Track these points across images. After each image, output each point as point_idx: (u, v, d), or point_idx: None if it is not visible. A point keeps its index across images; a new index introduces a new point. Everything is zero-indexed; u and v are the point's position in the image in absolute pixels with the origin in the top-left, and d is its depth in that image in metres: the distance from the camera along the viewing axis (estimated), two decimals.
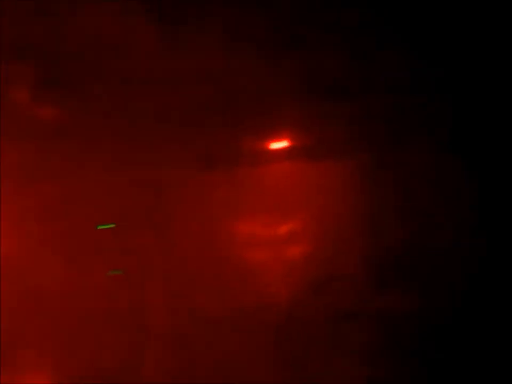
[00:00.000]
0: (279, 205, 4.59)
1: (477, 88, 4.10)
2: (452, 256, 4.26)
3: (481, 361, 4.06)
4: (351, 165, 4.53)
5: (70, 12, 3.73)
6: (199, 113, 4.43)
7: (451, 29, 4.01)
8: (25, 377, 4.16)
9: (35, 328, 4.21)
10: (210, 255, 4.55)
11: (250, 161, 4.60)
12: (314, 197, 4.56)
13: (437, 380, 4.13)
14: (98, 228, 4.51)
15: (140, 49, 3.96)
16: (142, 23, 3.78)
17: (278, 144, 4.61)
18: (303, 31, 4.31)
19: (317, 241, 4.55)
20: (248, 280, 4.55)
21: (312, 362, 4.37)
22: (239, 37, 4.26)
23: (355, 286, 4.42)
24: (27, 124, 4.20)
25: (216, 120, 4.45)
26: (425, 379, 4.16)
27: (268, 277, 4.57)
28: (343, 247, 4.49)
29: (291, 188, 4.58)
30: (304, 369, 4.35)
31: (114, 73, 4.08)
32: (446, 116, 4.23)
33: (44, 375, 4.24)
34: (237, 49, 4.26)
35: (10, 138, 4.06)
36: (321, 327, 4.37)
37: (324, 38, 4.28)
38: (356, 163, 4.52)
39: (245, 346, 4.39)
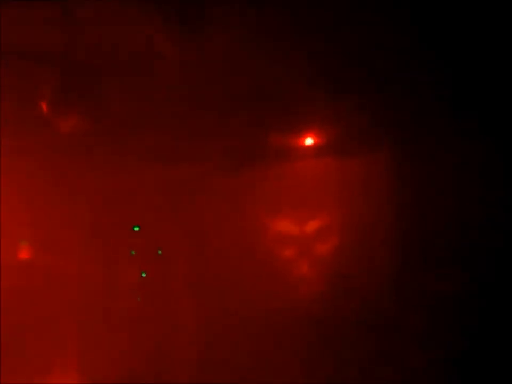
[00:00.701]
0: (307, 202, 4.57)
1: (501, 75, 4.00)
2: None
3: None
4: (378, 160, 4.48)
5: (89, 20, 3.74)
6: (226, 111, 4.41)
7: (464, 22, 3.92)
8: (48, 377, 4.21)
9: (60, 329, 4.26)
10: (239, 253, 4.56)
11: (277, 158, 4.59)
12: (342, 193, 4.52)
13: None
14: (129, 228, 4.56)
15: (159, 54, 3.97)
16: (160, 29, 3.77)
17: (305, 141, 4.58)
18: (329, 26, 4.24)
19: (346, 237, 4.51)
20: (277, 278, 4.55)
21: (343, 362, 4.35)
22: (264, 34, 4.22)
23: (384, 283, 4.37)
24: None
25: (243, 118, 4.43)
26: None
27: (298, 275, 4.56)
28: (372, 242, 4.44)
29: (319, 184, 4.55)
30: (333, 370, 4.33)
31: (135, 79, 4.09)
32: (472, 104, 4.14)
33: (68, 376, 4.30)
34: (262, 46, 4.22)
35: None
36: (351, 325, 4.33)
37: (347, 30, 4.21)
38: (383, 157, 4.46)
39: (274, 346, 4.39)
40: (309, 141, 4.58)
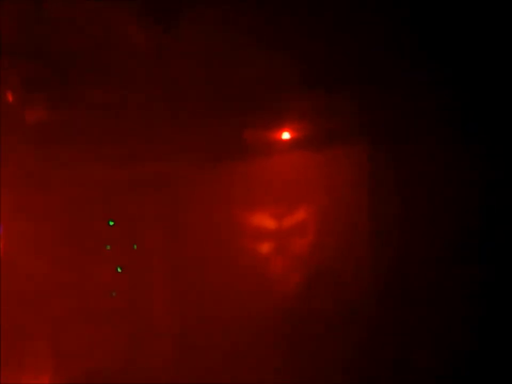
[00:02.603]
0: (284, 197, 4.55)
1: (490, 78, 3.98)
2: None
3: None
4: (357, 155, 4.45)
5: (62, 14, 3.65)
6: (202, 106, 4.35)
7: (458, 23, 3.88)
8: (27, 376, 4.17)
9: (33, 324, 4.21)
10: (215, 248, 4.54)
11: (254, 153, 4.55)
12: (319, 188, 4.50)
13: None
14: (105, 224, 4.51)
15: (134, 49, 3.89)
16: (134, 23, 3.69)
17: (282, 136, 4.55)
18: (310, 23, 4.19)
19: (324, 232, 4.50)
20: (254, 272, 4.53)
21: (323, 356, 4.35)
22: (243, 30, 4.15)
23: (362, 279, 4.37)
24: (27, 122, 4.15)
25: (219, 113, 4.38)
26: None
27: (275, 269, 4.55)
28: (350, 237, 4.44)
29: (296, 179, 4.52)
30: (313, 364, 4.34)
31: (114, 73, 4.02)
32: (453, 106, 4.12)
33: (45, 374, 4.27)
34: (239, 42, 4.16)
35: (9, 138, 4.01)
36: (329, 319, 4.34)
37: (330, 28, 4.15)
38: (361, 153, 4.44)
39: (250, 340, 4.39)
40: (286, 136, 4.54)
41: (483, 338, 3.95)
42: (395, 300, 4.26)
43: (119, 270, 4.50)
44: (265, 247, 4.56)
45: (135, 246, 4.53)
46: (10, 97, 3.92)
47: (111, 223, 4.51)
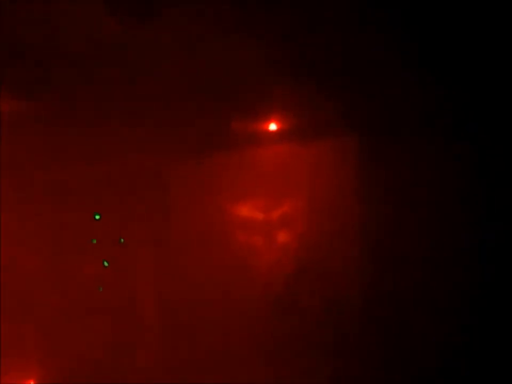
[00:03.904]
0: (272, 189, 4.50)
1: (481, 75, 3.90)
2: None
3: None
4: (345, 147, 4.39)
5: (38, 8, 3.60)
6: (187, 99, 4.30)
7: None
8: (14, 370, 4.16)
9: (18, 320, 4.19)
10: (202, 241, 4.50)
11: (241, 145, 4.51)
12: (307, 179, 4.45)
13: None
14: (89, 217, 4.49)
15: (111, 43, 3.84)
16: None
17: (269, 127, 4.48)
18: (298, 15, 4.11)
19: (312, 224, 4.45)
20: (241, 265, 4.49)
21: (310, 348, 4.30)
22: (229, 21, 4.08)
23: (349, 270, 4.31)
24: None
25: (205, 105, 4.32)
26: None
27: (262, 261, 4.51)
28: (338, 229, 4.37)
29: (284, 171, 4.47)
30: (300, 356, 4.29)
31: (97, 66, 3.98)
32: (445, 100, 4.04)
33: (32, 368, 4.27)
34: (224, 32, 4.09)
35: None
36: (313, 312, 4.29)
37: (314, 22, 4.07)
38: (351, 145, 4.38)
39: (237, 332, 4.35)
40: (273, 128, 4.48)
41: (474, 338, 3.90)
42: (382, 296, 4.21)
43: (105, 264, 4.47)
44: (252, 239, 4.52)
45: (122, 240, 4.49)
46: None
47: (97, 217, 4.48)
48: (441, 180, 4.01)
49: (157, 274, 4.52)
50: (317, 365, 4.18)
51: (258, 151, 4.50)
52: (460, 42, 3.81)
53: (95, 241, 4.48)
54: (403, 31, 3.91)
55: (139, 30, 3.80)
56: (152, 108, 4.29)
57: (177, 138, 4.41)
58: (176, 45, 4.04)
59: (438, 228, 4.02)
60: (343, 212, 4.35)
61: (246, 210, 4.53)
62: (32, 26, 3.70)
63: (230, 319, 4.36)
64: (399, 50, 3.95)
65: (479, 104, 3.96)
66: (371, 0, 3.89)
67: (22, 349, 4.23)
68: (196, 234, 4.51)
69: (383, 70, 4.08)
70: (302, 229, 4.45)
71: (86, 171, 4.40)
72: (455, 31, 3.79)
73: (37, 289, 4.27)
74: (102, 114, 4.30)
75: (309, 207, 4.44)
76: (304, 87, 4.20)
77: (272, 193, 4.49)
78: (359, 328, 4.19)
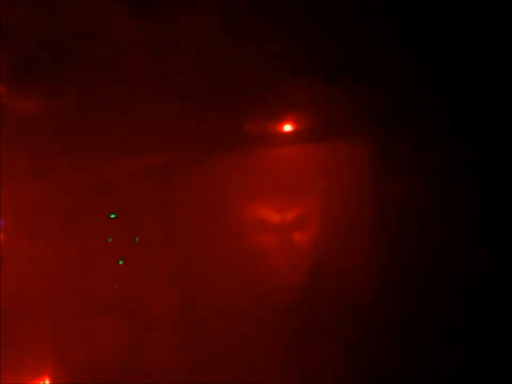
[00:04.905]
0: (286, 189, 4.51)
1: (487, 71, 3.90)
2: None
3: None
4: (360, 147, 4.41)
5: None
6: (201, 97, 4.33)
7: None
8: (27, 369, 4.20)
9: (34, 317, 4.22)
10: (217, 241, 4.52)
11: (255, 145, 4.52)
12: (321, 180, 4.47)
13: None
14: (105, 216, 4.52)
15: (130, 39, 3.87)
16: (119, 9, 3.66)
17: (283, 127, 4.51)
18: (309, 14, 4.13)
19: (326, 225, 4.46)
20: (255, 265, 4.51)
21: (322, 349, 4.32)
22: (240, 20, 4.10)
23: (364, 273, 4.32)
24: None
25: (219, 104, 4.35)
26: None
27: (276, 263, 4.52)
28: (352, 230, 4.38)
29: (298, 171, 4.49)
30: (312, 357, 4.30)
31: (108, 65, 4.00)
32: (455, 97, 4.04)
33: (45, 366, 4.29)
34: (239, 32, 4.11)
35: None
36: (328, 313, 4.30)
37: (325, 18, 4.09)
38: (365, 145, 4.39)
39: (252, 333, 4.36)
40: (287, 128, 4.50)
41: (488, 337, 3.91)
42: (399, 294, 4.21)
43: (120, 262, 4.50)
44: (265, 240, 4.54)
45: (137, 239, 4.52)
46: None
47: (113, 216, 4.51)
48: (456, 176, 4.02)
49: (172, 274, 4.54)
50: (333, 364, 4.20)
51: (272, 151, 4.52)
52: (474, 38, 3.83)
53: (110, 240, 4.50)
54: (418, 33, 3.93)
55: (150, 26, 3.84)
56: (167, 106, 4.32)
57: (191, 138, 4.44)
58: (190, 43, 4.08)
59: (454, 223, 4.03)
60: (358, 211, 4.36)
61: (260, 211, 4.54)
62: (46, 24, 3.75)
63: (245, 318, 4.38)
64: (414, 51, 3.97)
65: (494, 99, 3.96)
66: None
67: (38, 346, 4.25)
68: (209, 234, 4.53)
69: (398, 70, 4.10)
70: (316, 229, 4.47)
71: (102, 169, 4.43)
72: (468, 26, 3.81)
73: (53, 287, 4.29)
74: (113, 115, 4.34)
75: (323, 206, 4.45)
76: (319, 87, 4.22)
77: (286, 194, 4.51)
78: (375, 329, 4.19)
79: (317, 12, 3.99)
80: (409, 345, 4.09)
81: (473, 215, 4.03)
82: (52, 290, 4.31)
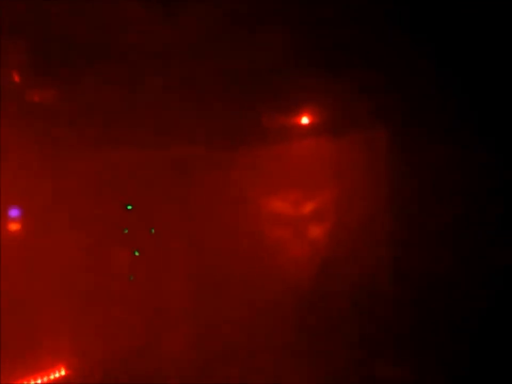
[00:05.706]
0: (303, 183, 4.51)
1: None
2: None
3: None
4: (377, 141, 4.39)
5: None
6: (220, 92, 4.32)
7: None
8: (44, 359, 4.23)
9: (51, 308, 4.23)
10: (233, 233, 4.53)
11: (273, 138, 4.52)
12: (339, 174, 4.46)
13: None
14: (122, 207, 4.53)
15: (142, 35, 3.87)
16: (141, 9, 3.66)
17: (301, 121, 4.50)
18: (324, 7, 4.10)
19: (342, 218, 4.45)
20: (272, 258, 4.51)
21: (337, 341, 4.32)
22: (260, 16, 4.09)
23: (379, 266, 4.31)
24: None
25: (239, 99, 4.34)
26: None
27: (292, 255, 4.53)
28: (368, 223, 4.37)
29: (315, 165, 4.48)
30: (327, 349, 4.31)
31: (129, 57, 4.01)
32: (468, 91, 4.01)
33: (62, 357, 4.32)
34: (258, 28, 4.10)
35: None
36: (344, 306, 4.30)
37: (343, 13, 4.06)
38: (382, 139, 4.37)
39: (267, 325, 4.38)
40: (305, 121, 4.49)
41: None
42: (413, 284, 4.21)
43: (136, 253, 4.52)
44: (282, 232, 4.54)
45: (153, 230, 4.54)
46: (15, 78, 3.93)
47: (129, 207, 4.53)
48: (472, 171, 3.99)
49: (188, 265, 4.55)
50: (345, 359, 4.20)
51: (290, 144, 4.51)
52: (484, 37, 3.80)
53: (126, 231, 4.52)
54: (437, 30, 3.91)
55: (166, 20, 3.84)
56: (187, 100, 4.32)
57: (210, 131, 4.44)
58: (207, 37, 4.07)
59: (469, 217, 4.01)
60: (374, 204, 4.35)
61: (277, 204, 4.54)
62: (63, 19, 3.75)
63: (260, 310, 4.39)
64: (431, 47, 3.95)
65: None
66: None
67: (53, 336, 4.28)
68: (225, 226, 4.54)
69: (415, 64, 4.08)
70: (332, 222, 4.47)
71: (119, 160, 4.44)
72: (477, 25, 3.78)
73: (70, 278, 4.31)
74: (134, 107, 4.34)
75: (340, 199, 4.45)
76: (337, 80, 4.20)
77: (303, 186, 4.51)
78: (391, 319, 4.19)
79: (342, 6, 3.97)
80: (429, 330, 4.09)
81: (492, 205, 4.02)
82: (68, 280, 4.32)
